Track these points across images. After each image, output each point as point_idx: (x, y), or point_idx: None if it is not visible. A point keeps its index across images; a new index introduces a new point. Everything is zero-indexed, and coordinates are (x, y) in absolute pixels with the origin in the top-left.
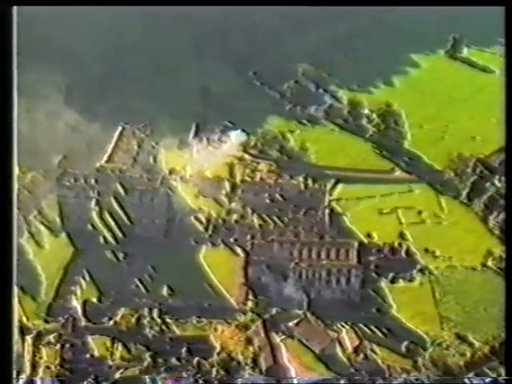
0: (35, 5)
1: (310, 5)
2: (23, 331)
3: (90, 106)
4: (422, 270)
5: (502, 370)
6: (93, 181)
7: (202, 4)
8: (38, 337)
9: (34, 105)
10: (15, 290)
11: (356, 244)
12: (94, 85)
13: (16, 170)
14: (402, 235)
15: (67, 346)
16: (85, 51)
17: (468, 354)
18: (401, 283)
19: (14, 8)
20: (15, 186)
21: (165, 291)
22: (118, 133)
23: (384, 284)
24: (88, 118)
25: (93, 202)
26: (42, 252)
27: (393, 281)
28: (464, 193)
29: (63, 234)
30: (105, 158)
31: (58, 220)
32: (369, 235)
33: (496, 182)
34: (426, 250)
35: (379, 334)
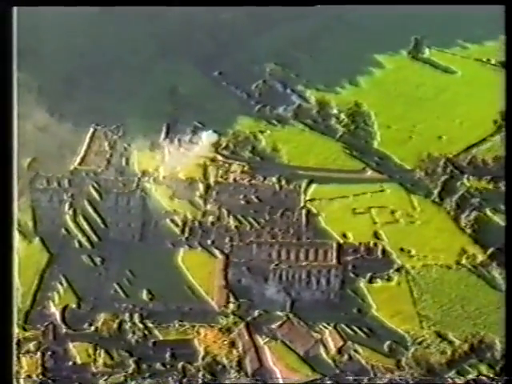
0: (35, 5)
1: (273, 5)
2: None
3: (58, 106)
4: (398, 270)
5: (483, 368)
6: (66, 184)
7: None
8: (18, 345)
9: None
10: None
11: (334, 245)
12: (61, 85)
13: (16, 172)
14: (376, 235)
15: (48, 354)
16: (52, 51)
17: (449, 352)
18: (378, 283)
19: (14, 8)
20: (15, 187)
21: (144, 295)
22: (89, 134)
23: (362, 284)
24: (57, 119)
25: (66, 206)
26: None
27: (370, 281)
28: (435, 192)
29: (37, 239)
30: (78, 160)
31: (30, 224)
32: (344, 235)
33: (465, 182)
34: (402, 250)
35: (361, 334)
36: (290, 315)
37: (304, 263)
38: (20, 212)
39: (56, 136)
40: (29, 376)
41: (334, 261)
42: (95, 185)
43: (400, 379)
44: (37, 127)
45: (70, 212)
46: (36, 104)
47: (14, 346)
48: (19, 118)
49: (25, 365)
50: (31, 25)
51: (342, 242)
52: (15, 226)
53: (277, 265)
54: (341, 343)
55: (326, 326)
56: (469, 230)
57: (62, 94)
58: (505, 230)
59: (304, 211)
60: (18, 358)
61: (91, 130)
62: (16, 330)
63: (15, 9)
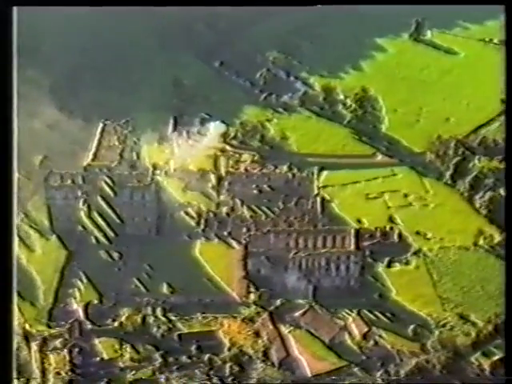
0: (35, 5)
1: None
2: (27, 338)
3: (65, 103)
4: (416, 253)
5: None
6: (80, 180)
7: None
8: (44, 343)
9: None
10: (14, 296)
11: (352, 231)
12: (66, 82)
13: (16, 174)
14: (391, 219)
15: (75, 350)
16: (53, 49)
17: (473, 334)
18: (397, 267)
19: (14, 8)
20: (15, 191)
21: (165, 289)
22: (99, 130)
23: (381, 269)
24: (66, 116)
25: (81, 202)
26: (34, 256)
27: (389, 265)
28: (447, 174)
29: (54, 237)
30: (90, 156)
31: (46, 222)
32: (359, 221)
33: (477, 163)
34: (418, 233)
35: (384, 319)
36: (313, 303)
37: (322, 250)
38: (35, 210)
39: (65, 133)
40: (58, 373)
41: (353, 247)
42: (109, 180)
43: (426, 362)
44: (46, 124)
45: (85, 208)
46: (44, 102)
47: (40, 344)
48: (28, 116)
49: (53, 362)
50: (31, 25)
51: (357, 227)
52: (15, 230)
53: (296, 253)
54: (365, 329)
55: (349, 312)
56: (484, 211)
57: (67, 92)
58: (505, 231)
59: (319, 198)
60: (46, 354)
61: (100, 125)
62: (40, 327)
63: (15, 9)
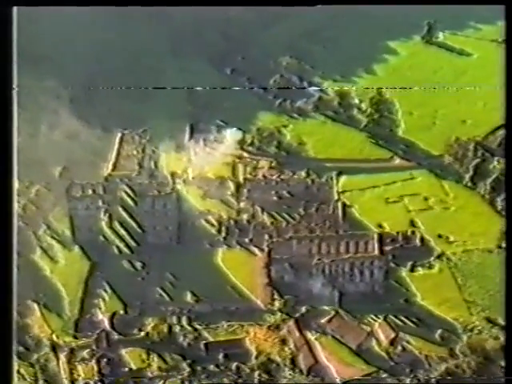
0: (35, 5)
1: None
2: (55, 349)
3: (81, 112)
4: (439, 257)
5: None
6: (101, 190)
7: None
8: (72, 353)
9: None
10: (35, 307)
11: (376, 235)
12: (82, 90)
13: (16, 183)
14: (412, 223)
15: (104, 360)
16: (66, 56)
17: (502, 338)
18: (420, 271)
19: (14, 8)
20: (15, 199)
21: (189, 297)
22: (118, 139)
23: (404, 273)
24: (83, 126)
25: (103, 212)
26: (57, 267)
27: (412, 269)
28: (467, 176)
29: (76, 248)
30: (110, 166)
31: (68, 233)
32: (380, 225)
33: (496, 164)
34: (439, 236)
35: (410, 324)
36: (338, 309)
37: (346, 256)
38: (56, 221)
39: (82, 143)
40: (87, 383)
41: (377, 252)
42: (130, 190)
43: (455, 368)
44: (65, 135)
45: (106, 218)
46: (61, 111)
47: (68, 355)
48: (49, 127)
49: (82, 372)
50: (31, 25)
51: (378, 232)
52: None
53: (319, 259)
54: (392, 335)
55: (375, 318)
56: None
57: (81, 100)
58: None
59: (340, 204)
60: (74, 365)
61: (119, 134)
62: (67, 338)
63: (15, 9)
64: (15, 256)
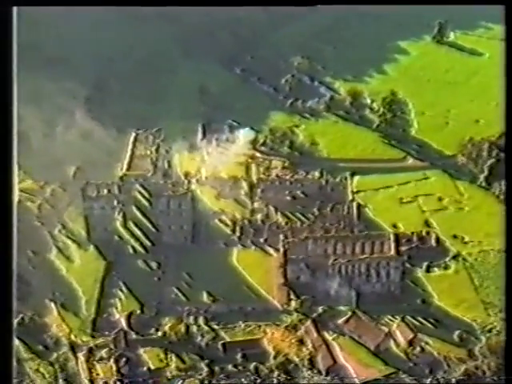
0: (35, 5)
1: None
2: (73, 348)
3: (93, 112)
4: (455, 257)
5: None
6: (116, 190)
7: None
8: (90, 353)
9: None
10: (52, 306)
11: (392, 236)
12: (92, 91)
13: (16, 179)
14: (427, 223)
15: (122, 360)
16: (75, 56)
17: None
18: (436, 272)
19: (14, 8)
20: (15, 198)
21: (205, 297)
22: (132, 139)
23: (420, 274)
24: (96, 126)
25: (118, 212)
26: (73, 267)
27: (428, 270)
28: (481, 177)
29: (91, 247)
30: (125, 166)
31: (83, 233)
32: (394, 226)
33: None
34: (455, 237)
35: (428, 325)
36: (355, 310)
37: (362, 256)
38: (71, 221)
39: (96, 143)
40: (106, 383)
41: (393, 252)
42: (144, 190)
43: (475, 369)
44: (79, 135)
45: (121, 218)
46: (74, 111)
47: (86, 355)
48: (64, 127)
49: (100, 372)
50: (31, 25)
51: (393, 232)
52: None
53: (335, 259)
54: (411, 336)
55: (392, 318)
56: None
57: (92, 101)
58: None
59: (355, 204)
60: (93, 364)
61: (133, 134)
62: (85, 337)
63: (15, 9)
64: (15, 256)
